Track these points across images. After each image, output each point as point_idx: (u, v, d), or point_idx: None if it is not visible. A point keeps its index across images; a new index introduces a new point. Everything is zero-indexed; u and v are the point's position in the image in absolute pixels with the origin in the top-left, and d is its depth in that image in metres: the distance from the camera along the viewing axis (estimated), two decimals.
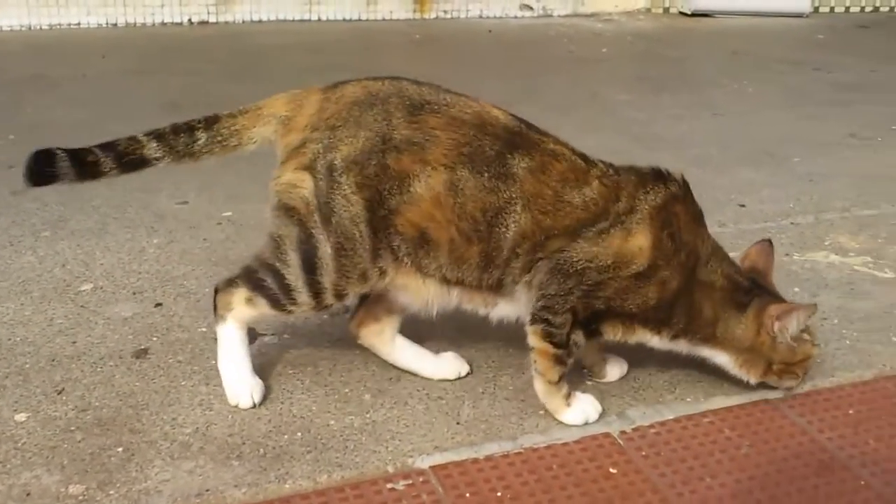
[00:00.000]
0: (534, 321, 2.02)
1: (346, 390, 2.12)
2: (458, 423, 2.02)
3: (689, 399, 2.16)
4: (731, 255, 2.18)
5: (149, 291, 2.55)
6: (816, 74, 5.69)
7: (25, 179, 1.98)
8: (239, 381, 2.07)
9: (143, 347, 2.27)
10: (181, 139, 2.05)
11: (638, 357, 2.28)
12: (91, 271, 2.65)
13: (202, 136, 2.05)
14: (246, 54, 5.64)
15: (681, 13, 7.49)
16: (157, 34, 6.06)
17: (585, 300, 2.00)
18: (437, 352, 2.21)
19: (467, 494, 1.81)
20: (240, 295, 2.05)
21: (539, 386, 2.07)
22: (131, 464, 1.85)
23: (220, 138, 2.06)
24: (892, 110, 4.85)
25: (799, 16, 7.62)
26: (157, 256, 2.77)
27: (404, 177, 1.94)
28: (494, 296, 2.06)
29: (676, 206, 2.04)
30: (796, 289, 2.72)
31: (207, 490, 1.78)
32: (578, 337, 2.05)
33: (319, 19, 6.58)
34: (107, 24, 6.11)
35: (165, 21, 6.23)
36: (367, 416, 2.03)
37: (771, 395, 2.18)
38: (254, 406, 2.05)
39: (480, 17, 6.97)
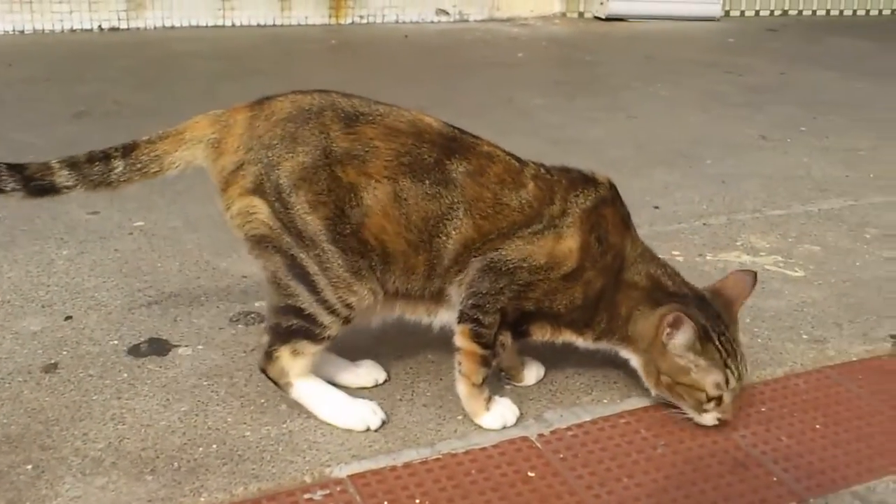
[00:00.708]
0: (463, 320, 2.02)
1: (262, 401, 2.10)
2: (375, 431, 2.01)
3: (605, 401, 2.18)
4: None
5: (58, 304, 2.49)
6: (728, 77, 5.81)
7: None
8: (353, 411, 2.03)
9: (52, 362, 2.21)
10: (96, 167, 1.99)
11: (555, 360, 2.30)
12: None
13: (119, 165, 2.00)
14: (158, 61, 5.55)
15: (595, 18, 7.58)
16: (66, 41, 5.93)
17: (516, 301, 2.01)
18: (354, 360, 2.20)
19: (385, 502, 1.80)
20: (284, 355, 2.00)
21: (462, 388, 2.06)
22: (41, 481, 1.80)
23: (139, 165, 2.00)
24: (800, 112, 4.98)
25: (711, 20, 7.78)
26: (67, 269, 2.70)
27: (355, 189, 1.91)
28: (436, 305, 2.06)
29: (605, 209, 2.06)
30: None
31: None
32: (506, 338, 2.05)
33: (233, 25, 6.51)
34: (14, 31, 5.96)
35: (75, 27, 6.10)
36: (284, 426, 2.01)
37: None
38: (383, 420, 2.02)
39: (397, 22, 6.97)
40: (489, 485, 1.87)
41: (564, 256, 2.01)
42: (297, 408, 2.06)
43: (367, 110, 1.98)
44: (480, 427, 2.04)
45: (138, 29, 6.25)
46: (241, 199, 1.94)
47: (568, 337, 2.12)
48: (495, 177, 2.00)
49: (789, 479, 1.94)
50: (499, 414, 2.07)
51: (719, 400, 2.03)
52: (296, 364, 2.01)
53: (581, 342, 2.13)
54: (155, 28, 6.30)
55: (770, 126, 4.67)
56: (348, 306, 1.96)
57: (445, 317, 2.08)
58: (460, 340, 2.04)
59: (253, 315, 2.47)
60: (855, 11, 8.73)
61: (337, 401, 2.05)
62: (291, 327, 1.98)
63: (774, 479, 1.95)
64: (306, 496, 1.81)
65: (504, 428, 2.05)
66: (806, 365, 2.38)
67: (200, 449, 1.92)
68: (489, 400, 2.07)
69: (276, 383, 2.04)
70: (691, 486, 1.91)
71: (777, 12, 8.36)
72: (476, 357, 2.03)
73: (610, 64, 6.24)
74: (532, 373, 2.25)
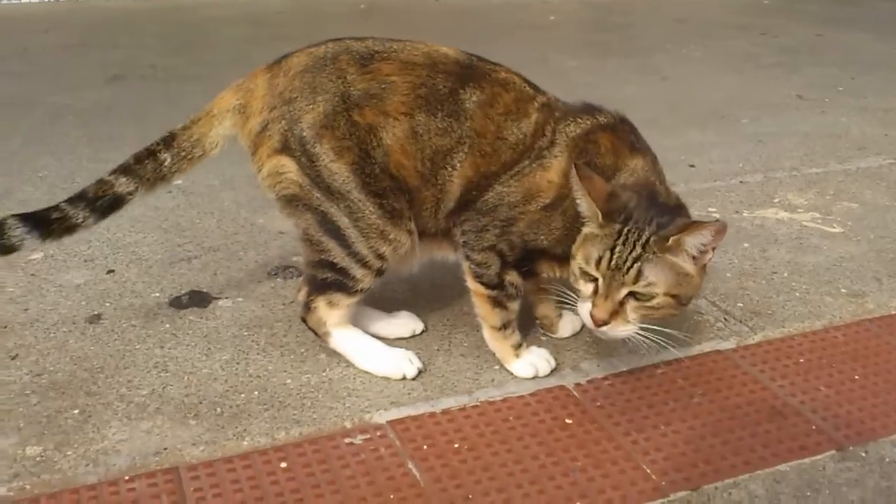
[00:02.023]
0: (462, 259, 2.04)
1: (302, 350, 2.12)
2: (413, 379, 2.02)
3: (642, 352, 2.18)
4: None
5: (100, 259, 2.52)
6: (762, 39, 5.75)
7: None
8: (390, 359, 2.06)
9: (96, 313, 2.25)
10: (148, 166, 1.99)
11: None
12: None
13: (167, 157, 2.00)
14: (190, 27, 5.57)
15: None
16: (100, 8, 5.95)
17: (502, 237, 1.96)
18: (391, 311, 2.22)
19: (425, 447, 1.82)
20: (321, 306, 2.03)
21: (485, 333, 2.09)
22: (88, 425, 1.84)
23: (183, 153, 2.01)
24: (837, 72, 4.92)
25: None
26: (108, 225, 2.70)
27: (374, 130, 1.91)
28: (448, 243, 2.06)
29: (599, 134, 1.98)
30: (746, 244, 2.76)
31: (165, 448, 1.77)
32: (514, 278, 2.02)
33: None
34: None
35: None
36: (324, 374, 2.03)
37: (723, 345, 2.21)
38: (420, 369, 2.04)
39: None
40: (527, 430, 1.89)
41: (542, 189, 1.94)
42: (337, 357, 2.08)
43: (382, 48, 1.98)
44: (516, 376, 2.05)
45: None
46: (269, 160, 1.95)
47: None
48: (503, 107, 1.96)
49: (828, 427, 1.94)
50: (529, 363, 2.07)
51: (595, 286, 1.85)
52: (332, 314, 2.03)
53: None
54: None
55: (807, 86, 4.62)
56: (380, 257, 1.97)
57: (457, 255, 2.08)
58: (468, 281, 2.05)
59: (291, 269, 2.49)
60: None
61: (374, 350, 2.07)
62: (326, 280, 2.00)
63: (813, 427, 1.94)
64: (346, 440, 1.83)
65: (535, 377, 2.06)
66: (845, 318, 2.37)
67: (242, 395, 1.95)
68: (519, 347, 2.08)
69: (315, 332, 2.07)
70: (728, 433, 1.92)
71: None
72: (485, 298, 2.04)
73: (642, 26, 6.19)
74: (568, 325, 2.24)
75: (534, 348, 2.11)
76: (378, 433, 1.86)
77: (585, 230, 1.87)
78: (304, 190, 1.93)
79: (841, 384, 2.10)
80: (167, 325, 2.20)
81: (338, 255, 1.96)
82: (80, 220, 1.95)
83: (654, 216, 1.82)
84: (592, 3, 6.87)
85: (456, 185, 1.96)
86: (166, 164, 2.00)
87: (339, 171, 1.90)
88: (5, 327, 2.17)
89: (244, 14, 5.91)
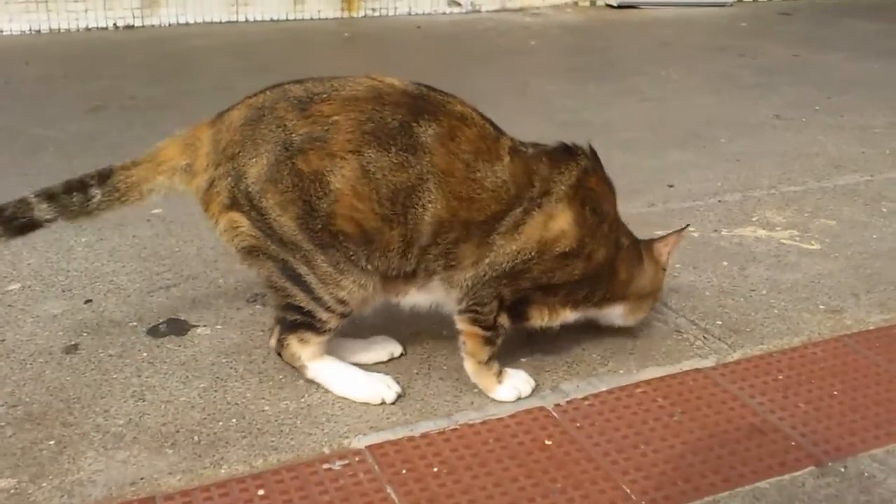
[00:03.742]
0: (462, 312, 2.03)
1: (280, 376, 2.11)
2: (392, 404, 2.02)
3: (621, 371, 2.19)
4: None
5: (78, 289, 2.52)
6: (741, 60, 5.79)
7: None
8: (368, 384, 2.05)
9: (73, 343, 2.24)
10: (74, 198, 1.96)
11: (571, 332, 2.31)
12: (18, 271, 2.61)
13: (97, 193, 1.96)
14: (173, 57, 5.58)
15: (607, 5, 7.56)
16: (81, 39, 5.96)
17: (512, 286, 2.00)
18: (369, 335, 2.22)
19: (404, 471, 1.82)
20: (293, 342, 2.02)
21: (469, 366, 2.08)
22: (63, 456, 1.82)
23: (117, 193, 1.98)
24: (814, 92, 4.95)
25: (723, 5, 7.73)
26: (86, 255, 2.73)
27: (320, 176, 1.85)
28: (406, 285, 2.02)
29: (590, 179, 2.02)
30: (725, 262, 2.77)
31: (142, 478, 1.76)
32: (504, 320, 2.05)
33: (247, 20, 6.52)
34: (30, 30, 5.99)
35: (90, 26, 6.13)
36: (302, 400, 2.03)
37: (702, 363, 2.22)
38: (399, 393, 2.04)
39: (409, 14, 6.97)
40: (507, 453, 1.88)
41: (556, 238, 1.96)
42: (315, 383, 2.08)
43: (321, 88, 1.91)
44: (500, 401, 2.05)
45: (153, 26, 6.28)
46: (222, 217, 1.93)
47: (567, 315, 2.11)
48: (468, 144, 1.91)
49: (807, 444, 1.95)
50: (511, 386, 2.07)
51: None
52: (305, 350, 2.03)
53: (572, 316, 2.13)
54: (169, 25, 6.32)
55: (784, 106, 4.65)
56: (341, 301, 1.96)
57: (417, 298, 2.06)
58: (461, 325, 2.05)
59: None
60: None
61: (351, 376, 2.06)
62: (296, 321, 2.00)
63: (793, 443, 1.95)
64: (325, 466, 1.82)
65: (519, 399, 2.06)
66: (823, 334, 2.38)
67: (220, 423, 1.94)
68: (500, 374, 2.08)
69: (291, 366, 2.07)
70: (708, 451, 1.92)
71: None
72: (478, 338, 2.04)
73: (622, 50, 6.23)
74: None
75: (512, 371, 2.11)
76: (357, 458, 1.85)
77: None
78: (260, 241, 1.92)
79: (820, 400, 2.10)
80: (145, 354, 2.19)
81: (302, 300, 1.96)
82: None
83: None
84: (573, 28, 6.92)
85: (427, 224, 1.90)
86: (94, 199, 1.97)
87: (286, 225, 1.88)
88: None
89: (228, 44, 5.92)
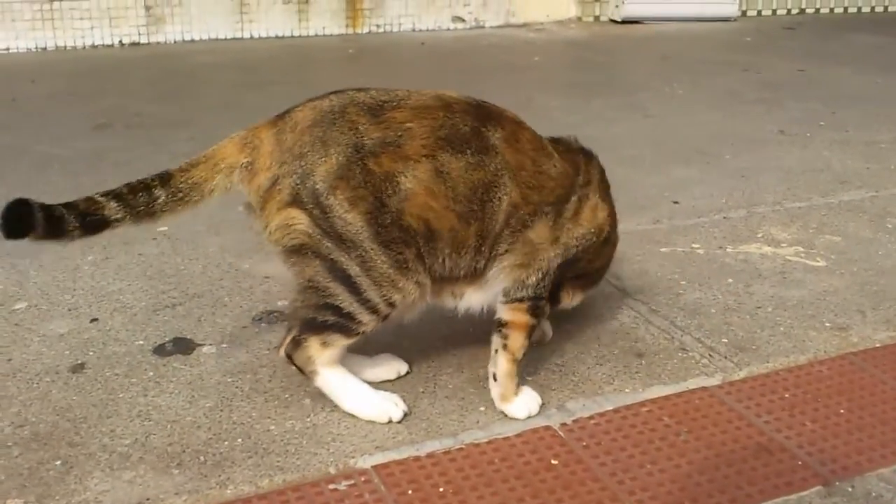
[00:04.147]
0: (515, 300, 2.09)
1: (286, 396, 2.12)
2: (398, 423, 2.02)
3: (627, 390, 2.18)
4: None
5: (84, 307, 2.52)
6: (745, 75, 5.80)
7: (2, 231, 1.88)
8: (376, 403, 2.06)
9: (79, 362, 2.24)
10: (140, 198, 1.95)
11: (576, 351, 2.32)
12: (25, 290, 2.61)
13: (161, 194, 1.96)
14: (178, 74, 5.60)
15: (611, 21, 7.58)
16: (87, 57, 5.99)
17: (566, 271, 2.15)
18: (376, 354, 2.22)
19: (410, 492, 1.81)
20: (314, 345, 2.01)
21: (503, 365, 2.09)
22: (70, 476, 1.83)
23: (180, 194, 1.97)
24: (819, 107, 4.96)
25: (727, 20, 7.75)
26: (93, 273, 2.74)
27: (391, 177, 1.92)
28: (467, 284, 2.08)
29: (603, 174, 2.23)
30: (730, 280, 2.77)
31: (148, 499, 1.76)
32: (547, 307, 2.16)
33: (252, 37, 6.55)
34: (36, 48, 6.02)
35: (96, 43, 6.16)
36: (308, 419, 2.03)
37: (708, 382, 2.21)
38: (405, 412, 2.05)
39: (413, 30, 6.99)
40: (513, 473, 1.88)
41: (603, 224, 2.17)
42: (321, 402, 2.08)
43: (389, 97, 2.00)
44: (504, 416, 2.06)
45: (158, 43, 6.30)
46: (279, 214, 1.94)
47: (579, 298, 2.28)
48: (528, 143, 2.06)
49: (814, 463, 1.94)
50: (524, 403, 2.09)
51: None
52: (324, 354, 2.02)
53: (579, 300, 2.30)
54: (175, 42, 6.35)
55: (789, 121, 4.65)
56: (391, 304, 1.98)
57: (473, 299, 2.12)
58: (512, 314, 2.09)
59: (275, 314, 2.49)
60: (873, 8, 8.68)
61: (360, 393, 2.07)
62: (326, 322, 1.99)
63: (799, 462, 1.94)
64: (331, 486, 1.82)
65: (528, 417, 2.06)
66: (829, 352, 2.37)
67: (226, 443, 1.94)
68: (518, 387, 2.10)
69: (301, 370, 2.06)
70: (715, 471, 1.91)
71: (794, 11, 8.33)
72: (526, 328, 2.10)
73: (626, 65, 6.25)
74: (548, 327, 2.36)
75: (525, 388, 2.12)
76: (362, 479, 1.85)
77: None
78: (313, 239, 1.93)
79: (826, 419, 2.10)
80: (151, 373, 2.20)
81: (345, 301, 1.96)
82: (70, 227, 1.90)
83: None
84: (577, 43, 6.94)
85: (502, 212, 2.02)
86: (160, 200, 1.96)
87: (353, 222, 1.91)
88: None
89: (233, 60, 5.95)
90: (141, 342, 2.34)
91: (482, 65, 6.05)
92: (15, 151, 3.93)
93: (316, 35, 6.73)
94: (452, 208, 1.96)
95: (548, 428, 2.03)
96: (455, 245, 1.99)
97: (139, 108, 4.71)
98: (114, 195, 1.95)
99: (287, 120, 1.99)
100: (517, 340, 2.08)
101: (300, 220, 1.93)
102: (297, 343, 2.04)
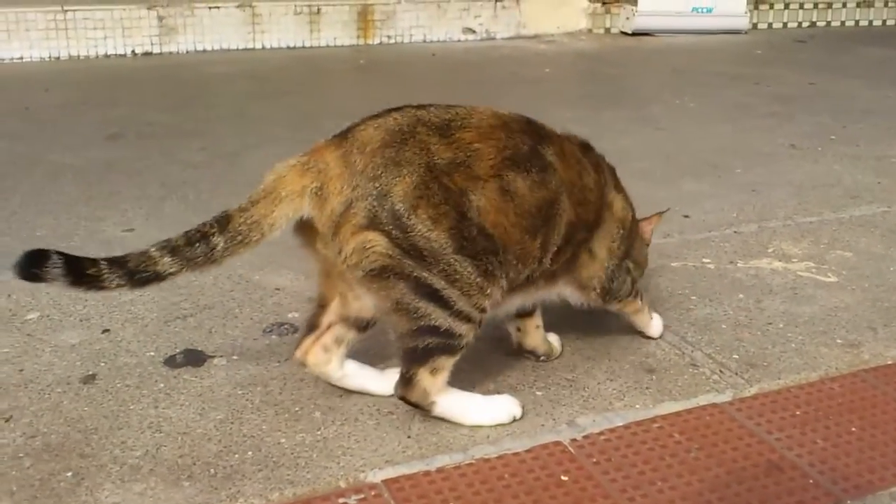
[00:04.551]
0: (608, 302, 2.32)
1: (297, 408, 2.12)
2: (408, 437, 2.02)
3: (637, 406, 2.18)
4: None
5: (96, 318, 2.53)
6: (756, 88, 5.80)
7: (15, 271, 1.86)
8: (496, 406, 2.10)
9: (90, 373, 2.25)
10: (198, 249, 1.90)
11: (587, 366, 2.32)
12: (37, 300, 2.62)
13: (220, 241, 1.89)
14: (190, 84, 5.63)
15: (622, 33, 7.59)
16: (100, 66, 6.02)
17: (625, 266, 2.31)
18: (386, 366, 2.22)
19: None
20: (424, 376, 2.00)
21: (631, 318, 2.44)
22: (81, 488, 1.83)
23: (240, 237, 1.91)
24: (829, 121, 4.96)
25: (738, 33, 7.76)
26: None
27: (466, 193, 1.93)
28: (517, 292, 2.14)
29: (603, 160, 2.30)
30: (741, 295, 2.76)
31: None
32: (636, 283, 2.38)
33: (263, 47, 6.58)
34: (50, 57, 6.06)
35: (109, 53, 6.19)
36: (318, 433, 2.03)
37: (719, 398, 2.21)
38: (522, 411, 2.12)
39: (424, 41, 7.01)
40: (523, 489, 1.88)
41: (627, 219, 2.29)
42: (331, 415, 2.08)
43: (451, 115, 2.00)
44: (515, 431, 2.06)
45: (170, 53, 6.33)
46: (354, 238, 1.90)
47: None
48: (572, 158, 2.12)
49: (826, 482, 1.94)
50: (658, 321, 2.48)
51: None
52: (437, 382, 2.02)
53: None
54: (187, 52, 6.38)
55: (800, 135, 4.65)
56: (482, 310, 1.99)
57: (516, 301, 2.19)
58: (613, 308, 2.36)
59: (286, 326, 2.49)
60: (884, 21, 8.68)
61: (478, 404, 2.09)
62: (428, 346, 1.97)
63: (811, 481, 1.94)
64: (341, 500, 1.82)
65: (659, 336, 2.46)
66: (841, 369, 2.37)
67: (236, 456, 1.94)
68: (650, 309, 2.46)
69: (417, 406, 2.05)
70: (726, 488, 1.91)
71: (805, 24, 8.33)
72: (630, 302, 2.37)
73: (637, 77, 6.25)
74: (557, 342, 2.39)
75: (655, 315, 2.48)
76: (373, 493, 1.85)
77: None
78: (393, 260, 1.90)
79: (838, 437, 2.09)
80: (161, 385, 2.20)
81: (438, 317, 1.95)
82: (112, 285, 1.87)
83: None
84: (588, 55, 6.95)
85: (562, 228, 2.08)
86: (219, 248, 1.90)
87: (436, 239, 1.90)
88: (0, 388, 2.17)
89: (245, 71, 5.97)
90: (152, 353, 2.35)
91: (493, 76, 6.06)
92: (28, 160, 3.95)
93: (327, 46, 6.76)
94: (523, 225, 2.00)
95: (557, 443, 2.03)
96: (521, 256, 2.03)
97: (151, 117, 4.73)
98: (169, 249, 1.89)
99: (352, 141, 1.95)
100: (630, 307, 2.40)
101: (377, 242, 1.89)
102: (407, 381, 2.01)
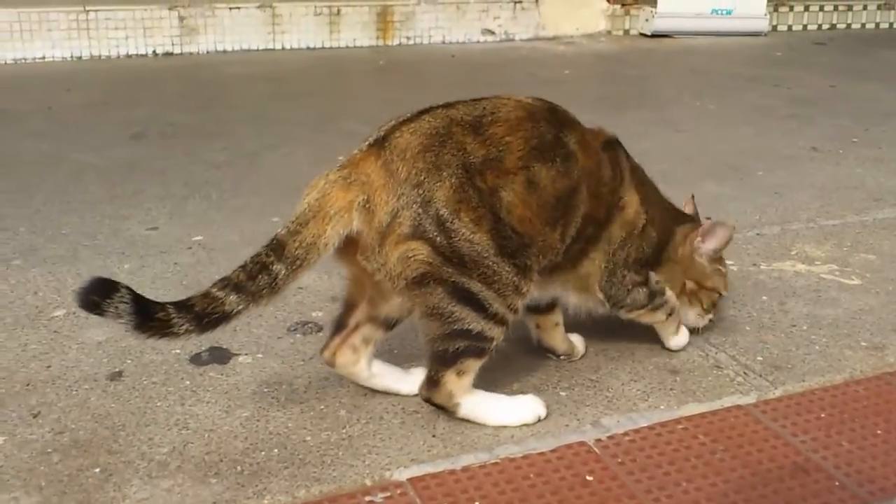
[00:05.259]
0: (615, 310, 2.28)
1: (322, 407, 2.13)
2: (433, 436, 2.03)
3: (662, 407, 2.18)
4: None
5: None
6: (776, 90, 5.78)
7: (77, 299, 1.84)
8: (521, 406, 2.10)
9: (117, 370, 2.26)
10: (261, 282, 1.87)
11: (611, 367, 2.32)
12: (63, 298, 2.64)
13: (280, 269, 1.87)
14: (211, 84, 5.65)
15: (641, 34, 7.58)
16: (122, 66, 6.05)
17: (631, 272, 2.24)
18: (411, 366, 2.22)
19: None
20: (451, 378, 2.01)
21: (657, 328, 2.39)
22: (109, 484, 1.84)
23: (298, 261, 1.88)
24: (851, 123, 4.94)
25: (757, 35, 7.74)
26: (129, 281, 2.68)
27: (496, 192, 1.94)
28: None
29: (631, 159, 2.30)
30: (764, 297, 2.76)
31: None
32: (653, 278, 2.30)
33: (283, 48, 6.59)
34: (71, 57, 6.09)
35: (130, 53, 6.22)
36: (344, 431, 2.04)
37: (743, 400, 2.21)
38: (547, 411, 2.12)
39: (443, 42, 7.02)
40: (548, 488, 1.88)
41: (635, 222, 2.22)
42: (357, 413, 2.09)
43: (480, 111, 2.00)
44: (539, 431, 2.06)
45: (191, 53, 6.36)
46: (397, 248, 1.89)
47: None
48: (590, 147, 2.10)
49: (852, 484, 1.93)
50: (685, 334, 2.41)
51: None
52: (462, 383, 2.02)
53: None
54: (207, 52, 6.40)
55: (821, 138, 4.63)
56: (515, 311, 2.00)
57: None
58: (624, 314, 2.30)
59: (310, 325, 2.50)
60: None
61: (502, 405, 2.09)
62: (458, 350, 1.98)
63: (836, 483, 1.93)
64: (367, 499, 1.83)
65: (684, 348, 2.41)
66: (865, 371, 2.36)
67: (262, 453, 1.95)
68: (678, 327, 2.39)
69: (442, 408, 2.05)
70: (751, 490, 1.91)
71: (825, 26, 8.30)
72: (645, 312, 2.30)
73: (657, 79, 6.24)
74: (580, 342, 2.39)
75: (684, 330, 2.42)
76: (398, 491, 1.86)
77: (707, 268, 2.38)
78: (434, 267, 1.90)
79: (863, 439, 2.09)
80: (188, 382, 2.21)
81: (472, 320, 1.95)
82: (181, 331, 1.84)
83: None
84: (607, 56, 6.94)
85: (579, 221, 2.08)
86: (281, 276, 1.88)
87: (479, 242, 1.91)
88: (28, 385, 2.19)
89: (265, 71, 5.99)
90: (177, 351, 2.36)
91: (512, 78, 6.06)
92: (52, 159, 3.98)
93: (347, 46, 6.77)
94: (545, 217, 2.01)
95: (582, 444, 2.03)
96: (543, 249, 2.03)
97: (173, 117, 4.75)
98: (232, 286, 1.86)
99: (390, 149, 1.93)
100: (650, 318, 2.34)
101: (420, 251, 1.89)
102: (433, 382, 2.02)
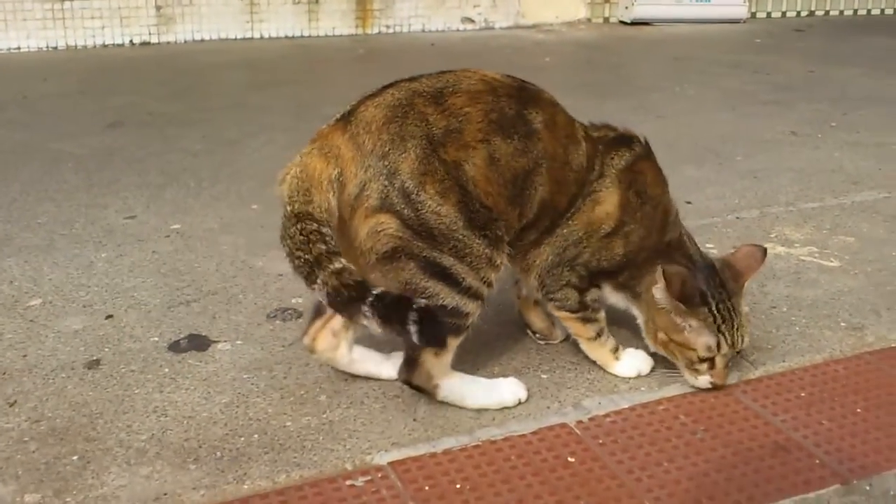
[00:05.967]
0: (544, 299, 2.18)
1: (302, 392, 2.11)
2: (414, 420, 2.02)
3: (643, 388, 2.18)
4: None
5: (99, 304, 2.52)
6: (755, 76, 5.79)
7: None
8: (501, 389, 2.09)
9: (94, 358, 2.24)
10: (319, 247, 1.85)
11: None
12: (39, 287, 2.62)
13: (326, 230, 1.86)
14: (188, 73, 5.61)
15: (621, 22, 7.58)
16: (98, 56, 6.01)
17: (573, 271, 2.13)
18: (392, 351, 2.21)
19: (426, 487, 1.81)
20: (428, 358, 1.99)
21: (583, 346, 2.23)
22: (87, 471, 1.83)
23: (329, 224, 1.87)
24: (829, 108, 4.95)
25: (737, 22, 7.75)
26: (107, 270, 2.74)
27: (459, 164, 1.91)
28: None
29: (641, 164, 2.18)
30: None
31: (165, 494, 1.76)
32: (593, 295, 2.18)
33: (262, 37, 6.56)
34: (47, 47, 6.04)
35: (107, 42, 6.18)
36: (324, 416, 2.03)
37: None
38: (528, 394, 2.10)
39: (423, 30, 7.00)
40: (529, 470, 1.88)
41: (602, 221, 2.10)
42: (337, 398, 2.08)
43: (442, 83, 1.98)
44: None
45: (168, 43, 6.32)
46: (366, 222, 1.89)
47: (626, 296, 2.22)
48: (562, 129, 2.05)
49: (832, 462, 1.93)
50: (628, 363, 2.21)
51: (711, 363, 2.11)
52: (440, 363, 2.01)
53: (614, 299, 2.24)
54: (185, 41, 6.36)
55: (800, 122, 4.65)
56: (489, 284, 1.97)
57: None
58: (552, 311, 2.21)
59: (290, 311, 2.49)
60: (883, 10, 8.67)
61: (482, 387, 2.08)
62: None
63: (817, 461, 1.94)
64: (348, 482, 1.82)
65: (638, 376, 2.21)
66: (845, 351, 2.37)
67: (242, 439, 1.94)
68: (616, 350, 2.22)
69: (421, 390, 2.04)
70: (732, 469, 1.91)
71: (804, 13, 8.32)
72: (573, 319, 2.19)
73: (637, 66, 6.25)
74: (560, 327, 2.33)
75: (630, 350, 2.24)
76: (379, 475, 1.85)
77: (680, 324, 2.09)
78: (404, 241, 1.89)
79: (843, 418, 2.09)
80: (166, 370, 2.20)
81: (447, 296, 1.93)
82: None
83: (717, 282, 2.11)
84: (587, 44, 6.93)
85: (535, 205, 2.03)
86: (329, 235, 1.86)
87: (447, 214, 1.89)
88: (4, 374, 2.17)
89: (243, 60, 5.96)
90: (156, 339, 2.34)
91: (492, 66, 5.97)
92: (28, 149, 3.94)
93: (326, 35, 6.74)
94: (504, 194, 1.97)
95: (563, 425, 2.03)
96: (507, 229, 2.00)
97: (151, 107, 4.72)
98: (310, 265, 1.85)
99: (356, 122, 1.93)
100: (574, 328, 2.22)
101: (389, 224, 1.88)
102: (411, 363, 2.01)
